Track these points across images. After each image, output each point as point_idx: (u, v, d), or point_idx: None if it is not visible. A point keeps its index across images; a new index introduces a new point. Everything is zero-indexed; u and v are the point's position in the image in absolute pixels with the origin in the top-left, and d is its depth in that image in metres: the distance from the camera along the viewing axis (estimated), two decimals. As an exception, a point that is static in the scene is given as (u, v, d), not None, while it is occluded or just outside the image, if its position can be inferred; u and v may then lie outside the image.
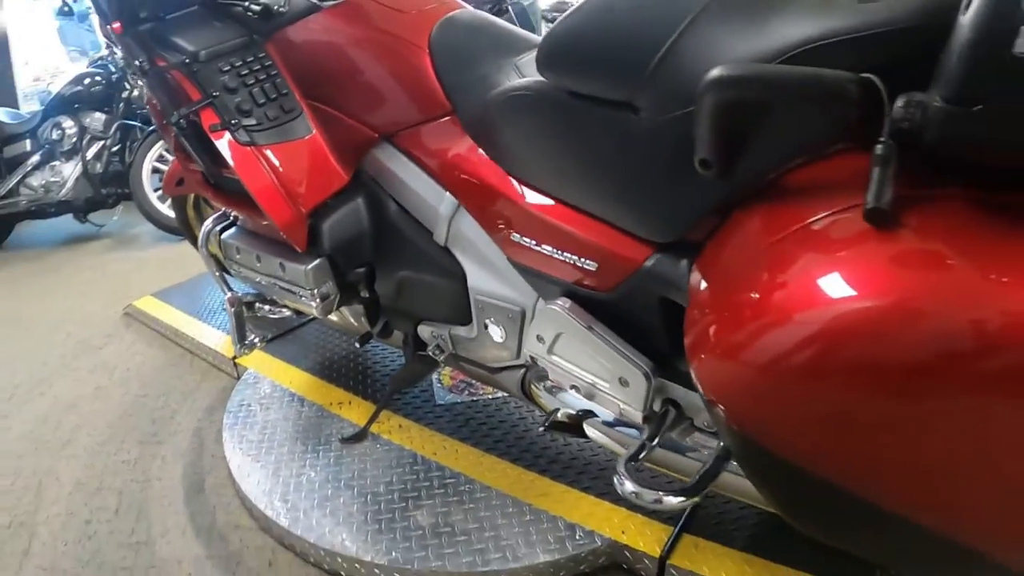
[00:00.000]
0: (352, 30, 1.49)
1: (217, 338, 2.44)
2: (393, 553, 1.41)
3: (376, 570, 1.41)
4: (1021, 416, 0.65)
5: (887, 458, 0.76)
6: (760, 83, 0.77)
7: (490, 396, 1.91)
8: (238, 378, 2.21)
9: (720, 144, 0.85)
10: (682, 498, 1.02)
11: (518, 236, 1.27)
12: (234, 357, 2.27)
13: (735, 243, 0.89)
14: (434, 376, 2.03)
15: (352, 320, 1.83)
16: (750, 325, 0.78)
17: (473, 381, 1.95)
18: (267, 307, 2.09)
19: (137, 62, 1.46)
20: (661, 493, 1.02)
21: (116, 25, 1.43)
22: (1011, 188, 0.68)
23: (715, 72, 0.78)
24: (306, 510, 1.56)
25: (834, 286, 0.72)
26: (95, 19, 2.01)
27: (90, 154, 3.89)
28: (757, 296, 0.78)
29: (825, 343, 0.73)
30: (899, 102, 0.68)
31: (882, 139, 0.69)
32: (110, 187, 3.97)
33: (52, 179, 3.86)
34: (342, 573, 1.46)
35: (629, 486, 1.03)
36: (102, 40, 4.43)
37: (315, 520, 1.52)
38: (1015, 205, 0.68)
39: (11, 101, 4.44)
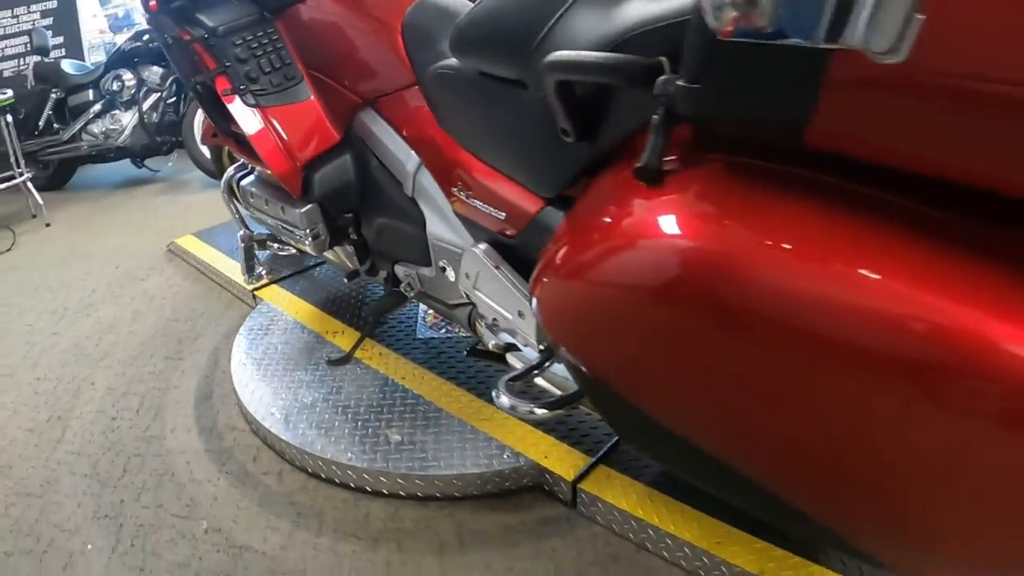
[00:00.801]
0: (343, 11, 1.73)
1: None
2: (349, 455, 1.68)
3: (334, 467, 1.68)
4: (797, 366, 0.78)
5: (687, 396, 0.94)
6: (577, 67, 0.97)
7: (463, 334, 2.15)
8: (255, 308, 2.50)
9: (571, 116, 1.06)
10: (545, 410, 1.24)
11: (456, 189, 1.50)
12: (254, 289, 2.56)
13: (584, 197, 1.10)
14: (420, 314, 2.28)
15: (345, 259, 2.09)
16: (569, 259, 0.99)
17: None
18: (276, 245, 2.37)
19: (165, 36, 1.74)
20: (533, 405, 1.25)
21: (152, 3, 1.69)
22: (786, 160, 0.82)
23: (546, 58, 0.99)
24: (288, 416, 1.83)
25: (628, 229, 0.92)
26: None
27: (147, 105, 4.22)
28: (576, 236, 1.00)
29: (619, 275, 0.93)
30: (659, 80, 0.86)
31: (656, 112, 0.88)
32: (164, 136, 4.30)
33: (112, 127, 4.22)
34: (308, 468, 1.73)
35: (505, 400, 1.26)
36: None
37: (293, 425, 1.80)
38: (780, 173, 0.82)
39: (78, 53, 4.79)
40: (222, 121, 1.89)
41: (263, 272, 2.34)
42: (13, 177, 3.83)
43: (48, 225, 3.86)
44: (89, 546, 1.58)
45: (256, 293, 2.55)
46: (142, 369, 2.31)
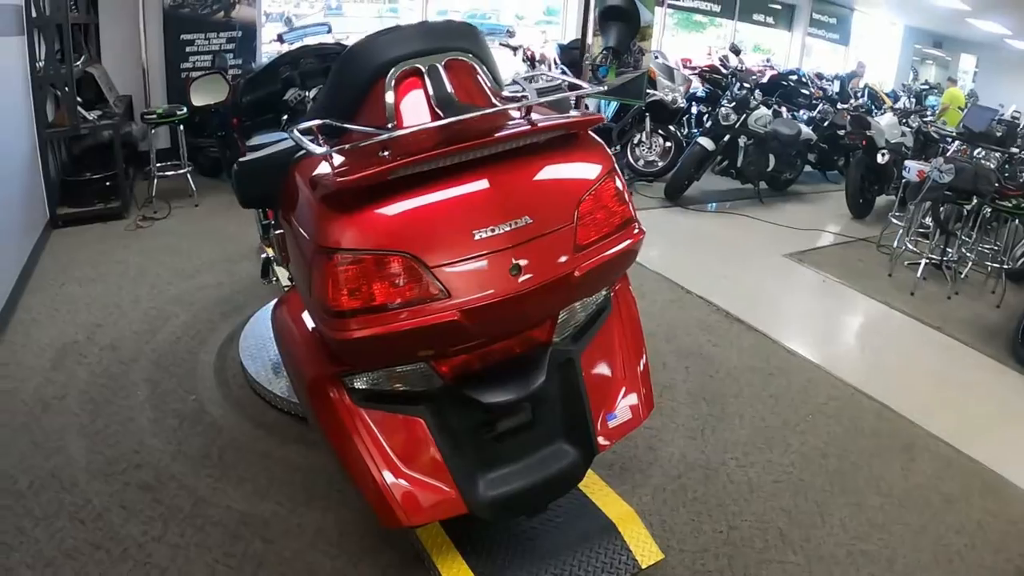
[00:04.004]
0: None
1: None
2: (271, 386, 3.43)
3: (259, 388, 3.44)
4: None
5: None
6: None
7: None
8: (282, 294, 4.34)
9: None
10: None
11: None
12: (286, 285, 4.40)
13: None
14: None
15: None
16: None
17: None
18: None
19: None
20: None
21: (235, 121, 3.57)
22: None
23: None
24: (255, 358, 3.62)
25: None
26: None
27: (284, 128, 6.28)
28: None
29: None
30: None
31: None
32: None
33: (256, 140, 6.33)
34: (254, 388, 3.50)
35: None
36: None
37: (254, 362, 3.58)
38: None
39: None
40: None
41: (273, 279, 4.19)
42: (180, 167, 6.01)
43: (197, 206, 6.00)
44: (139, 392, 3.45)
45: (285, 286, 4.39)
46: (207, 316, 4.23)
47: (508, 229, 1.86)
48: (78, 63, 5.57)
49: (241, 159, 2.33)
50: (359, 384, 2.02)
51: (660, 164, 8.18)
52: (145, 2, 6.58)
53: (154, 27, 6.74)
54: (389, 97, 1.97)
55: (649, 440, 3.29)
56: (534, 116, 1.95)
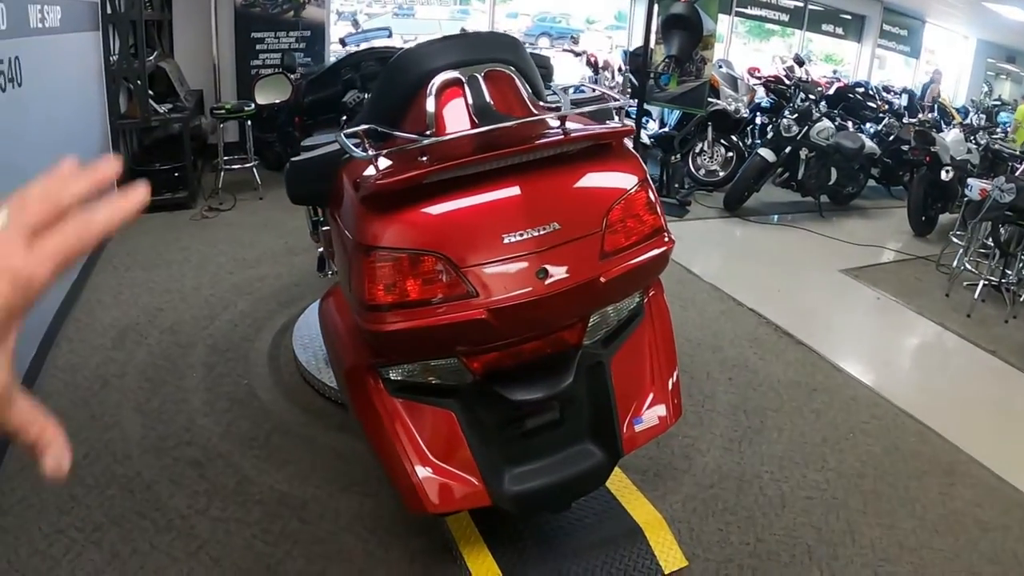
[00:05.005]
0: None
1: (340, 264, 4.75)
2: (320, 373, 3.56)
3: (308, 374, 3.57)
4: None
5: None
6: None
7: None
8: (334, 288, 4.48)
9: None
10: None
11: None
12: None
13: None
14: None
15: None
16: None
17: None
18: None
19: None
20: None
21: (296, 120, 3.71)
22: None
23: None
24: (305, 347, 3.77)
25: None
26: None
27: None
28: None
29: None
30: None
31: None
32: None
33: (319, 138, 6.52)
34: (302, 373, 3.64)
35: None
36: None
37: (306, 350, 3.72)
38: None
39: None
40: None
41: (329, 273, 4.34)
42: (247, 161, 6.23)
43: (261, 199, 6.21)
44: (194, 374, 3.62)
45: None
46: (265, 305, 4.40)
47: (536, 234, 1.93)
48: (151, 58, 5.84)
49: (293, 159, 2.46)
50: (394, 375, 2.11)
51: (721, 174, 8.15)
52: (217, 0, 6.84)
53: (225, 25, 7.01)
54: (430, 105, 2.06)
55: (685, 448, 3.32)
56: (569, 125, 2.02)
